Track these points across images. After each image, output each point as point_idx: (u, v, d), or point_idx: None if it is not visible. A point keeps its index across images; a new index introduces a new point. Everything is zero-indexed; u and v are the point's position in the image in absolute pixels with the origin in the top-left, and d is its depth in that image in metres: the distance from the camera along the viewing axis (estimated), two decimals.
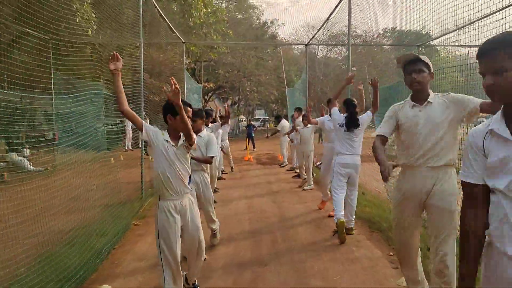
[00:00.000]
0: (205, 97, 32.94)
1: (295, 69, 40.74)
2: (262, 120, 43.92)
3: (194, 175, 4.30)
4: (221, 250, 4.90)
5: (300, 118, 10.92)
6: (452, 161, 2.85)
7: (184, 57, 13.59)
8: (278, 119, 14.31)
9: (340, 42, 48.85)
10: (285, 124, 13.21)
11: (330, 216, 6.34)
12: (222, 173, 11.56)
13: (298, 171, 11.60)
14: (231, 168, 12.09)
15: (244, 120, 37.96)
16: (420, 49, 12.97)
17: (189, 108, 3.45)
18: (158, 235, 3.13)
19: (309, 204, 7.28)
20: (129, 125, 20.62)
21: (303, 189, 8.86)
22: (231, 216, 6.49)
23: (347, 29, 8.13)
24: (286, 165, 13.01)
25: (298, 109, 11.08)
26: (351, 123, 5.33)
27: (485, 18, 4.86)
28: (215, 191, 8.25)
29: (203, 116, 4.77)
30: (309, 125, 9.12)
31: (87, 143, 7.87)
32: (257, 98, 35.40)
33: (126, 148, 20.38)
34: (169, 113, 3.12)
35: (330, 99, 10.63)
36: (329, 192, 6.70)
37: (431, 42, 11.04)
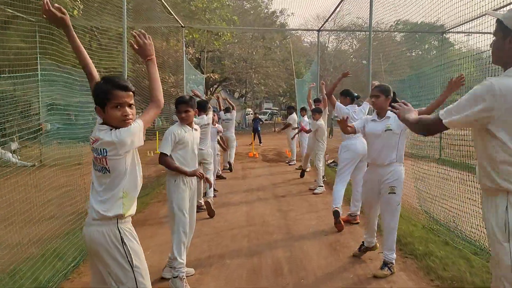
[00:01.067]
0: (210, 89, 31.72)
1: (304, 61, 39.30)
2: (269, 114, 42.59)
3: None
4: (209, 283, 3.71)
5: (306, 118, 10.11)
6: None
7: (183, 43, 12.36)
8: (290, 110, 12.98)
9: (352, 33, 47.25)
10: (295, 117, 11.99)
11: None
12: (222, 169, 10.45)
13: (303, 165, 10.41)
14: (229, 166, 10.68)
15: (251, 113, 36.64)
16: (443, 36, 11.66)
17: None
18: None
19: (321, 214, 6.05)
20: None
21: (314, 193, 7.64)
22: (225, 231, 5.29)
23: (367, 15, 7.01)
24: (295, 163, 11.77)
25: (303, 110, 10.26)
26: None
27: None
28: (213, 195, 7.19)
29: (193, 106, 3.79)
30: (320, 119, 7.90)
31: (78, 136, 6.88)
32: (264, 90, 34.07)
33: None
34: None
35: (319, 99, 9.45)
36: None
37: (454, 30, 10.01)
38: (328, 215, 5.97)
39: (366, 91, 7.12)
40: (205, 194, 6.62)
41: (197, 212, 4.01)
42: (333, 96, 5.76)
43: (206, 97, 27.92)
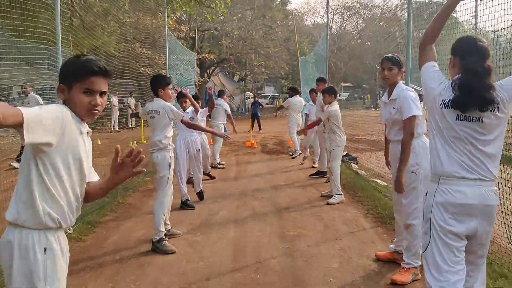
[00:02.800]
0: (207, 71, 29.50)
1: (307, 40, 36.88)
2: (270, 97, 40.38)
3: None
4: None
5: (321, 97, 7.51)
6: None
7: (165, 13, 10.23)
8: (293, 91, 10.45)
9: (356, 13, 44.78)
10: (295, 100, 9.89)
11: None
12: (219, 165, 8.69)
13: (316, 164, 8.46)
14: (208, 171, 7.68)
15: (251, 97, 34.49)
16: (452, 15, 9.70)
17: None
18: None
19: (346, 245, 4.08)
20: (115, 101, 17.64)
21: (328, 203, 5.68)
22: (197, 283, 3.34)
23: None
24: (299, 154, 9.80)
25: (321, 80, 7.77)
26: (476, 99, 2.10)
27: None
28: (200, 197, 5.98)
29: None
30: (334, 103, 5.91)
31: None
32: (265, 73, 31.83)
33: (112, 128, 17.40)
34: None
35: (323, 78, 8.05)
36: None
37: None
38: (357, 244, 4.01)
39: (370, 73, 5.68)
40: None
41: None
42: None
43: (202, 79, 25.84)
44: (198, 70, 30.06)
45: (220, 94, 9.10)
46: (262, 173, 8.11)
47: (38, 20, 5.12)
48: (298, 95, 10.05)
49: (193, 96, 5.85)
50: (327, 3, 12.25)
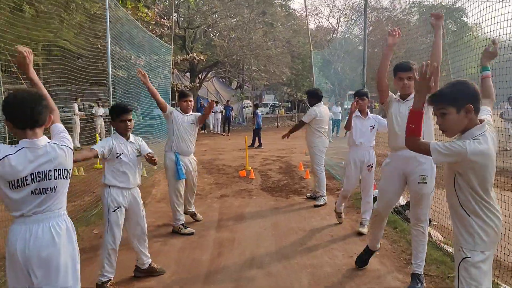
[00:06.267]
0: (199, 75, 25.66)
1: (311, 43, 33.16)
2: (271, 106, 36.53)
3: None
4: None
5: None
6: None
7: None
8: (314, 97, 6.19)
9: (363, 16, 41.50)
10: (321, 112, 6.05)
11: None
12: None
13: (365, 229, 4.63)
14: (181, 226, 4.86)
15: (250, 106, 30.58)
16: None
17: None
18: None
19: None
20: (76, 109, 13.86)
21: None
22: None
23: None
24: (325, 201, 5.96)
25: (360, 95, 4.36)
26: None
27: None
28: None
29: None
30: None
31: None
32: (265, 78, 27.99)
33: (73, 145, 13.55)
34: None
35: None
36: None
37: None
38: None
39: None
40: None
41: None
42: None
43: (191, 85, 21.99)
44: (188, 74, 26.41)
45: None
46: (266, 254, 4.20)
47: None
48: (321, 103, 6.18)
49: None
50: None
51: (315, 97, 6.15)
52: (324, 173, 6.12)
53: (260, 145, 14.27)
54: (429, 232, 3.85)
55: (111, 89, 6.15)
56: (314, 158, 6.08)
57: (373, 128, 4.78)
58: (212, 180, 8.16)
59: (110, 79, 6.13)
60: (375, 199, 4.25)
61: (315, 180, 6.20)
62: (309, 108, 6.17)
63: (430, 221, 5.07)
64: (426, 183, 3.20)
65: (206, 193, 7.00)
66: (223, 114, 21.50)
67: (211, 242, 4.51)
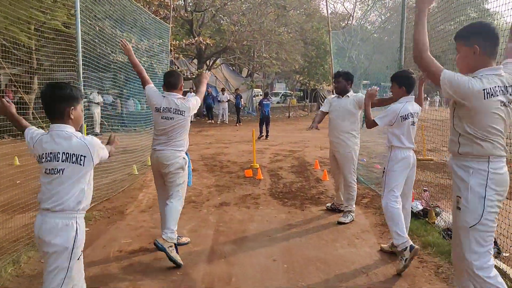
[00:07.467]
0: (207, 62, 24.28)
1: (326, 29, 31.41)
2: (282, 95, 34.97)
3: None
4: None
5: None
6: None
7: None
8: (345, 79, 4.76)
9: (379, 1, 39.61)
10: (347, 100, 4.70)
11: None
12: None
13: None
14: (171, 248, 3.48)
15: (260, 95, 29.07)
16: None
17: None
18: None
19: None
20: (96, 97, 12.39)
21: None
22: None
23: None
24: (352, 217, 4.65)
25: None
26: None
27: None
28: None
29: None
30: None
31: None
32: (277, 65, 26.42)
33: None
34: None
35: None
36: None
37: None
38: None
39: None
40: None
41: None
42: None
43: (198, 71, 20.63)
44: (195, 61, 25.05)
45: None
46: None
47: None
48: (349, 87, 4.79)
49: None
50: None
51: (346, 77, 4.80)
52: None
53: (266, 136, 12.98)
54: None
55: (81, 71, 4.86)
56: (348, 164, 4.66)
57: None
58: (213, 181, 6.87)
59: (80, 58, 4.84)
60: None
61: (345, 192, 4.80)
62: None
63: (499, 252, 3.74)
64: None
65: (203, 199, 5.70)
66: (233, 103, 20.23)
67: (198, 282, 3.22)
